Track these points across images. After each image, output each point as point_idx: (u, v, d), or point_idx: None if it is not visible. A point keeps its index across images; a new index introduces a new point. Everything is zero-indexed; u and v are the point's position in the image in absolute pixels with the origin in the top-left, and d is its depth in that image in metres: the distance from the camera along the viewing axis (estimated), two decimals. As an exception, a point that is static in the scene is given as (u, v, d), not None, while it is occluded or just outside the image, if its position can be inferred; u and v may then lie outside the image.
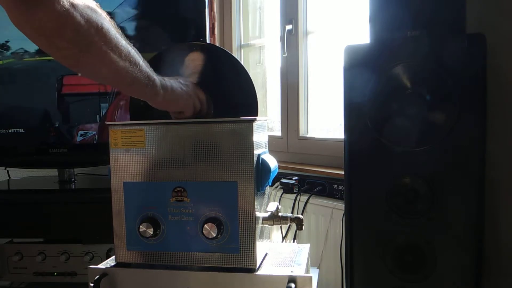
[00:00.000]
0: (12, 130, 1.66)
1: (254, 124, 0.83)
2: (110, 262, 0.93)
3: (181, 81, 0.89)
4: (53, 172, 1.80)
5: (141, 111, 0.99)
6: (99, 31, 0.68)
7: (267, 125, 0.99)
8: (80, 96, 1.67)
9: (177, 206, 0.87)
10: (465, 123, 0.92)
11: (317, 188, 1.52)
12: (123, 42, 0.73)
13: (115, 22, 0.74)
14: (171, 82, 0.86)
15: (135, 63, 0.76)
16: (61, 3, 0.62)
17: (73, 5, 0.63)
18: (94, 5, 0.68)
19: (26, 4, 0.60)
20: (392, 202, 1.00)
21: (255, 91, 0.98)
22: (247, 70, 1.00)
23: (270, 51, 2.03)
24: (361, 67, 1.01)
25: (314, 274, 0.96)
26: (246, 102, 0.98)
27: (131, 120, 1.00)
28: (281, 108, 1.80)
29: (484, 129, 0.94)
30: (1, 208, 1.50)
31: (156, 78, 0.81)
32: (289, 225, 1.52)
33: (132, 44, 0.77)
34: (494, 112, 1.04)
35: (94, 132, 1.65)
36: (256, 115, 0.97)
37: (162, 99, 0.84)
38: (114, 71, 0.74)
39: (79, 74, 0.76)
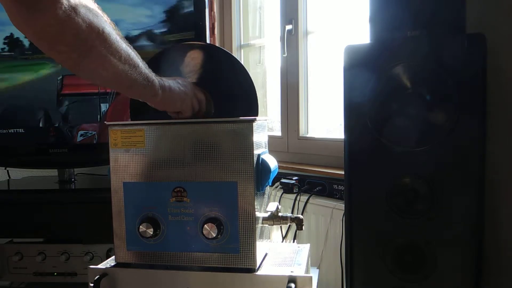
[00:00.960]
0: (12, 130, 1.66)
1: (254, 124, 0.83)
2: (110, 262, 0.93)
3: (179, 81, 0.89)
4: (53, 172, 1.80)
5: (141, 109, 0.99)
6: (100, 35, 0.68)
7: (267, 125, 0.99)
8: (80, 96, 1.67)
9: (177, 206, 0.87)
10: (465, 123, 0.92)
11: (317, 188, 1.51)
12: (123, 46, 0.73)
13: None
14: (169, 82, 0.86)
15: (134, 66, 0.76)
16: (63, 8, 0.61)
17: (74, 10, 0.63)
18: (96, 7, 0.68)
19: (28, 8, 0.60)
20: (392, 202, 1.00)
21: (255, 91, 0.98)
22: (247, 70, 1.00)
23: (270, 51, 2.03)
24: (361, 67, 1.01)
25: (314, 274, 0.96)
26: (246, 102, 0.98)
27: (131, 118, 1.00)
28: (281, 108, 1.80)
29: (484, 129, 0.94)
30: (1, 208, 1.50)
31: (155, 78, 0.82)
32: (289, 225, 1.52)
33: (132, 46, 0.77)
34: (494, 112, 1.04)
35: (94, 132, 1.65)
36: (256, 115, 0.97)
37: (160, 100, 0.84)
38: (114, 74, 0.74)
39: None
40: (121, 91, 0.88)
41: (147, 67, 0.80)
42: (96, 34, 0.67)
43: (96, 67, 0.72)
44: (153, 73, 0.82)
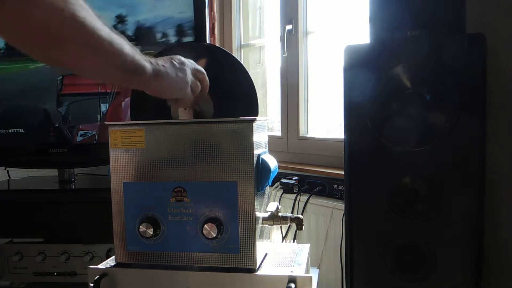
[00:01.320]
0: (12, 130, 1.66)
1: (254, 124, 0.83)
2: (110, 262, 0.93)
3: (177, 64, 0.82)
4: (53, 172, 1.79)
5: (141, 109, 0.99)
6: (70, 23, 0.60)
7: (267, 125, 0.99)
8: (80, 96, 1.67)
9: (177, 206, 0.87)
10: (465, 123, 0.92)
11: (317, 188, 1.52)
12: (102, 33, 0.65)
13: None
14: (166, 67, 0.79)
15: (117, 54, 0.68)
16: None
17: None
18: None
19: None
20: (392, 202, 1.00)
21: (255, 91, 0.98)
22: (247, 70, 1.00)
23: (270, 51, 2.03)
24: (361, 67, 1.01)
25: (314, 274, 0.96)
26: (246, 102, 0.98)
27: (131, 117, 1.00)
28: (281, 108, 1.80)
29: (484, 129, 0.94)
30: (1, 208, 1.50)
31: (147, 64, 0.75)
32: (289, 225, 1.52)
33: (117, 32, 0.69)
34: (494, 112, 1.04)
35: (94, 132, 1.65)
36: (256, 114, 0.97)
37: (154, 88, 0.78)
38: (91, 66, 0.68)
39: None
40: (105, 81, 0.83)
41: (139, 53, 0.73)
42: (66, 22, 0.60)
43: (70, 59, 0.65)
44: (147, 59, 0.75)
